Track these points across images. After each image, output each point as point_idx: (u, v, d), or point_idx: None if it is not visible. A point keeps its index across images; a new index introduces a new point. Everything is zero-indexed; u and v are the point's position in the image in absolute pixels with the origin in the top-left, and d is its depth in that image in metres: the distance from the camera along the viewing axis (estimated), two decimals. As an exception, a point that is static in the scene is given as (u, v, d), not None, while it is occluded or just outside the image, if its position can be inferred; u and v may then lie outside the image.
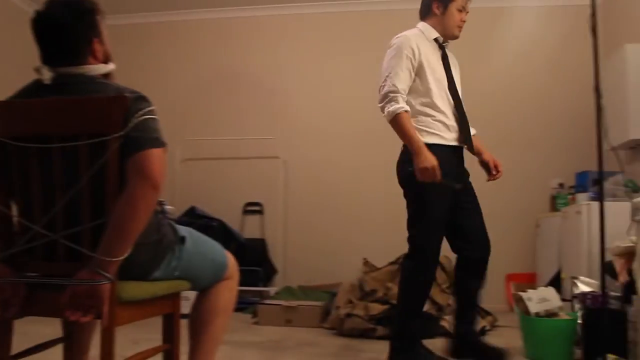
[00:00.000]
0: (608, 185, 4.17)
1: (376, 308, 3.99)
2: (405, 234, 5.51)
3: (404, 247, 4.87)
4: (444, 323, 3.98)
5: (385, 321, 3.90)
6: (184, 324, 2.01)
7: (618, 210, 3.20)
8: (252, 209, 5.97)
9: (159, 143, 1.65)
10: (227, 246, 5.66)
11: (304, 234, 5.85)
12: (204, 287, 2.06)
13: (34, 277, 1.71)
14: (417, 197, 3.00)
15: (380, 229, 5.65)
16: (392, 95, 2.88)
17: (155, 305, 1.86)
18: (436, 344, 3.66)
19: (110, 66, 1.83)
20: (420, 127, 2.96)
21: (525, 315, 3.22)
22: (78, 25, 1.73)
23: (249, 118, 6.07)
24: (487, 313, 4.36)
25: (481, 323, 4.08)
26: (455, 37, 3.06)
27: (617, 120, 4.35)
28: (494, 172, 3.13)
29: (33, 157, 1.65)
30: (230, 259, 2.13)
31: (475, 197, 3.11)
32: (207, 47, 6.27)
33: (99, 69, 1.77)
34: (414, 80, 2.95)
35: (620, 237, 3.01)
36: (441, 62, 3.02)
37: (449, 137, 2.99)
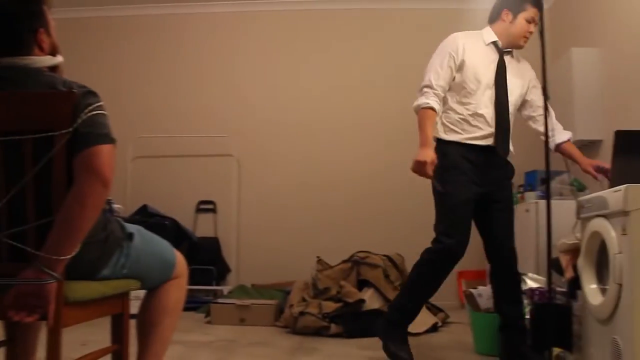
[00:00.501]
0: (555, 184, 4.29)
1: (330, 306, 4.01)
2: (357, 232, 5.59)
3: (357, 245, 4.94)
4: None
5: (338, 319, 3.92)
6: (133, 324, 1.97)
7: (564, 208, 3.30)
8: (205, 207, 5.92)
9: (108, 139, 1.61)
10: (179, 245, 5.65)
11: (257, 233, 5.82)
12: (153, 286, 2.01)
13: None
14: (434, 191, 3.02)
15: (334, 227, 5.68)
16: (424, 89, 2.95)
17: (104, 305, 1.82)
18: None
19: (58, 59, 1.77)
20: (446, 122, 3.01)
21: (475, 311, 3.28)
22: (23, 14, 1.67)
23: (202, 115, 6.01)
24: (439, 309, 4.43)
25: (433, 319, 4.15)
26: (520, 47, 3.06)
27: (564, 121, 4.45)
28: (598, 178, 3.02)
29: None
30: (179, 257, 2.09)
31: (506, 203, 3.06)
32: (161, 43, 6.18)
33: (45, 60, 1.71)
34: (454, 78, 2.98)
35: (566, 234, 3.10)
36: (494, 66, 3.00)
37: (476, 136, 2.97)
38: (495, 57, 3.01)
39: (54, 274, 1.49)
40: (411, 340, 3.71)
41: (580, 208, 2.81)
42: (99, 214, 1.61)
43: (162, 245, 2.05)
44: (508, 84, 2.99)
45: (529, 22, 2.97)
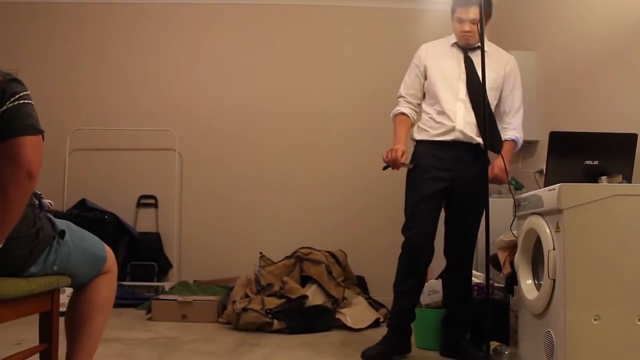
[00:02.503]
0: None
1: (272, 302, 4.01)
2: (300, 228, 5.60)
3: (300, 242, 4.95)
4: (339, 316, 4.06)
5: (281, 315, 3.93)
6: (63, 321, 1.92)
7: (502, 206, 3.39)
8: (147, 202, 5.81)
9: (34, 130, 1.56)
10: (119, 240, 5.53)
11: (199, 228, 5.76)
12: (83, 282, 1.96)
13: None
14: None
15: (277, 223, 5.67)
16: (398, 99, 3.28)
17: (33, 303, 1.76)
18: (330, 337, 3.74)
19: None
20: (419, 124, 3.21)
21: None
22: None
23: (144, 109, 5.89)
24: (381, 305, 4.50)
25: (375, 315, 4.21)
26: (465, 45, 3.16)
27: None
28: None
29: None
30: (109, 252, 2.04)
31: (474, 202, 2.99)
32: (105, 33, 6.00)
33: None
34: (425, 84, 3.23)
35: (504, 231, 3.19)
36: (461, 64, 3.14)
37: (441, 132, 3.09)
38: (460, 55, 3.17)
39: None
40: (353, 336, 3.77)
41: (517, 206, 2.90)
42: (27, 209, 1.56)
43: (93, 240, 2.00)
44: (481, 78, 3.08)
45: (459, 21, 3.12)
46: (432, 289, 3.40)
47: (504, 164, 2.96)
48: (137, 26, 6.00)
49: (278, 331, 3.86)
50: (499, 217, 3.06)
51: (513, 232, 2.98)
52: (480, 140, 3.03)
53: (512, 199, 2.99)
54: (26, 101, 1.57)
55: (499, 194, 4.25)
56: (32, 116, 1.57)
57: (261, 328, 3.89)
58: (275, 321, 3.90)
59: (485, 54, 2.92)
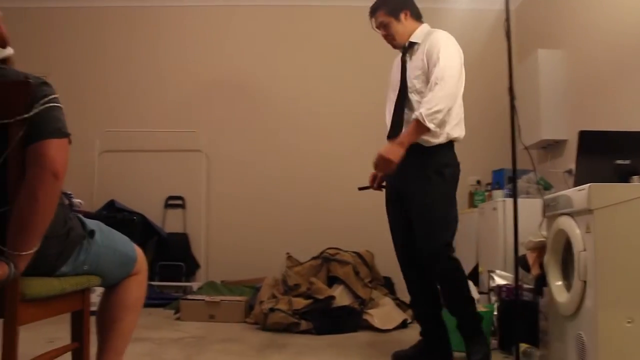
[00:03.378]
0: (522, 182, 4.36)
1: (299, 302, 4.01)
2: (327, 229, 5.60)
3: (327, 242, 4.95)
4: (366, 317, 4.05)
5: (308, 315, 3.93)
6: (94, 321, 1.94)
7: (531, 207, 3.36)
8: (174, 202, 5.87)
9: (61, 133, 1.57)
10: (148, 241, 5.58)
11: (226, 229, 5.79)
12: (113, 282, 1.98)
13: None
14: None
15: (304, 223, 5.68)
16: None
17: (63, 302, 1.78)
18: (357, 338, 3.73)
19: (8, 51, 1.72)
20: None
21: (444, 308, 3.31)
22: None
23: (171, 110, 5.95)
24: (409, 306, 4.47)
25: (402, 316, 4.18)
26: (396, 48, 3.13)
27: (530, 121, 4.55)
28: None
29: None
30: (139, 253, 2.06)
31: (420, 199, 2.90)
32: (131, 36, 6.09)
33: None
34: None
35: (532, 232, 3.16)
36: (400, 68, 3.09)
37: (387, 135, 3.09)
38: (399, 59, 3.14)
39: (13, 267, 1.46)
40: (381, 337, 3.76)
41: (546, 206, 2.86)
42: (56, 208, 1.58)
43: (123, 241, 2.02)
44: (407, 74, 3.02)
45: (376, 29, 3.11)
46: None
47: (395, 145, 2.75)
48: (163, 29, 6.07)
49: (305, 332, 3.87)
50: (527, 218, 3.03)
51: (542, 232, 2.94)
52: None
53: (541, 199, 2.95)
54: (55, 104, 1.60)
55: (527, 194, 4.21)
56: (59, 119, 1.60)
57: (288, 328, 3.90)
58: (303, 322, 3.90)
59: (417, 47, 2.94)
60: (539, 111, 4.58)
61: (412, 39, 3.01)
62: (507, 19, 2.74)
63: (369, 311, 4.12)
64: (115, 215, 5.24)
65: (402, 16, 3.02)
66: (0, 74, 1.60)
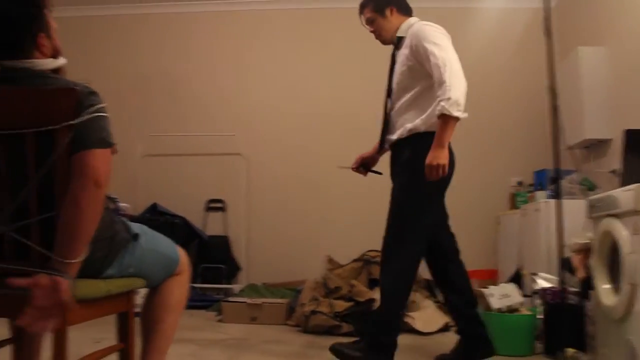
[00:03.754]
0: (565, 183, 4.27)
1: (341, 305, 4.01)
2: (368, 231, 5.58)
3: (367, 244, 4.94)
4: (407, 320, 4.02)
5: (349, 318, 3.93)
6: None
7: (575, 208, 3.29)
8: (215, 205, 5.94)
9: (105, 143, 1.60)
10: (189, 243, 5.65)
11: (267, 231, 5.83)
12: (157, 284, 2.02)
13: None
14: None
15: (344, 226, 5.68)
16: None
17: (110, 304, 1.82)
18: (399, 340, 3.70)
19: (60, 61, 1.76)
20: None
21: (487, 311, 3.28)
22: (22, 19, 1.65)
23: (211, 114, 6.02)
24: (450, 309, 4.43)
25: (444, 319, 4.14)
26: (385, 44, 3.12)
27: (573, 120, 4.46)
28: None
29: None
30: (181, 255, 2.09)
31: (392, 202, 2.97)
32: (170, 41, 6.19)
33: (47, 63, 1.70)
34: None
35: (577, 233, 3.09)
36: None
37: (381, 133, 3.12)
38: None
39: (67, 276, 1.50)
40: (422, 340, 3.73)
41: (590, 207, 2.80)
42: (102, 214, 1.61)
43: (166, 243, 2.05)
44: (395, 70, 3.02)
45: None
46: (504, 293, 3.32)
47: (437, 149, 2.69)
48: (201, 35, 6.14)
49: (346, 334, 3.86)
50: (572, 219, 2.98)
51: (587, 234, 2.88)
52: (392, 136, 2.99)
53: (585, 200, 2.89)
54: (101, 114, 1.63)
55: (570, 195, 4.13)
56: (105, 129, 1.63)
57: (330, 331, 3.90)
58: (344, 324, 3.90)
59: (402, 41, 2.90)
60: (582, 110, 4.48)
61: (399, 33, 3.00)
62: (548, 17, 2.69)
63: (410, 314, 4.09)
64: (158, 218, 5.32)
65: (387, 12, 3.03)
66: (51, 83, 1.64)
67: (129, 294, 1.94)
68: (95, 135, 1.58)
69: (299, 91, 5.97)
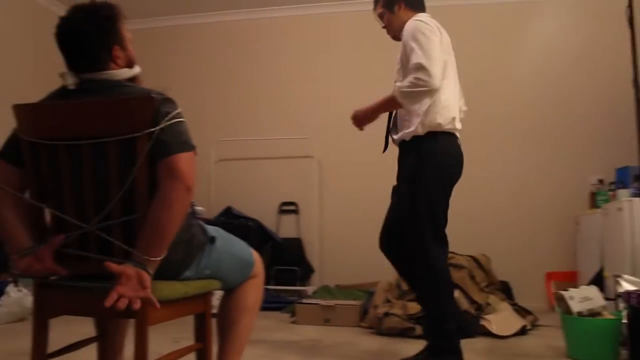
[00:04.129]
0: (649, 180, 4.08)
1: (414, 307, 3.97)
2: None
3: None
4: (483, 322, 3.94)
5: (423, 320, 3.88)
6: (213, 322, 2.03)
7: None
8: (288, 208, 6.00)
9: (188, 147, 1.66)
10: (263, 246, 5.74)
11: (340, 233, 5.84)
12: (232, 286, 2.07)
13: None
14: None
15: (417, 227, 5.62)
16: None
17: (188, 305, 1.88)
18: (475, 344, 3.63)
19: (135, 70, 1.84)
20: None
21: (567, 314, 3.16)
22: (97, 33, 1.73)
23: (283, 118, 6.09)
24: (528, 312, 4.30)
25: (521, 322, 4.03)
26: (395, 40, 3.10)
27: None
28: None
29: (63, 158, 1.67)
30: (256, 257, 2.13)
31: (399, 196, 3.01)
32: (241, 47, 6.31)
33: (123, 73, 1.78)
34: None
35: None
36: None
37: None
38: None
39: (148, 270, 1.56)
40: (499, 344, 3.64)
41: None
42: (184, 217, 1.67)
43: (241, 246, 2.10)
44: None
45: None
46: (585, 296, 3.20)
47: (366, 109, 2.91)
48: (272, 40, 6.22)
49: (421, 337, 3.81)
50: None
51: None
52: (396, 136, 2.99)
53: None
54: (179, 119, 1.69)
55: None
56: (185, 133, 1.69)
57: (403, 333, 3.87)
58: (418, 326, 3.85)
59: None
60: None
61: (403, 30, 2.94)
62: (630, 5, 2.59)
63: (486, 316, 4.00)
64: (232, 221, 5.43)
65: (396, 8, 3.01)
66: (127, 92, 1.71)
67: (206, 296, 1.99)
68: (178, 140, 1.64)
69: (372, 93, 5.93)
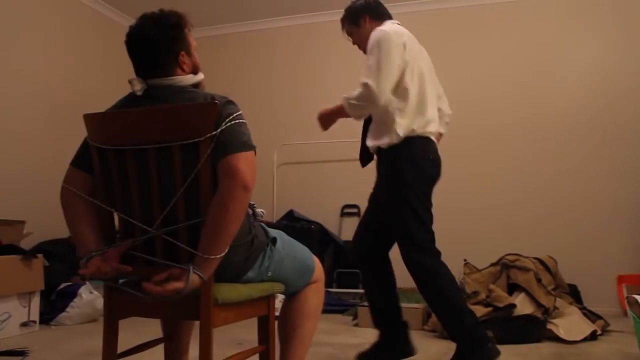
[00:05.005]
0: None
1: (479, 311, 3.90)
2: (505, 234, 5.40)
3: (505, 248, 4.78)
4: (550, 327, 3.83)
5: (488, 324, 3.81)
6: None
7: None
8: (350, 211, 6.00)
9: (248, 147, 1.69)
10: (325, 249, 5.76)
11: (402, 236, 5.80)
12: (293, 290, 2.10)
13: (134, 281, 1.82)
14: None
15: (481, 229, 5.53)
16: None
17: (250, 307, 1.91)
18: (542, 349, 3.55)
19: (199, 76, 1.89)
20: None
21: None
22: (165, 40, 1.80)
23: (343, 121, 6.08)
24: (597, 317, 4.16)
25: (591, 327, 3.91)
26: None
27: None
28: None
29: (130, 163, 1.73)
30: (316, 263, 2.16)
31: (380, 204, 3.08)
32: (301, 52, 6.36)
33: (188, 79, 1.84)
34: None
35: None
36: None
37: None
38: None
39: (202, 275, 1.60)
40: (568, 349, 3.54)
41: None
42: (244, 218, 1.69)
43: (302, 250, 2.13)
44: None
45: None
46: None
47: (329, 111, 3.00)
48: (335, 43, 6.24)
49: (485, 341, 3.75)
50: None
51: None
52: (371, 144, 2.99)
53: None
54: (240, 120, 1.73)
55: None
56: (245, 134, 1.72)
57: (467, 337, 3.81)
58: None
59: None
60: None
61: None
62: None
63: (554, 321, 3.90)
64: (294, 224, 5.47)
65: (362, 22, 3.03)
66: (192, 97, 1.76)
67: (269, 298, 2.02)
68: (237, 140, 1.67)
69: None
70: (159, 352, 2.18)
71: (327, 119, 3.04)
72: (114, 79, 5.73)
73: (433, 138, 2.92)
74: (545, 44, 5.56)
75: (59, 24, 5.43)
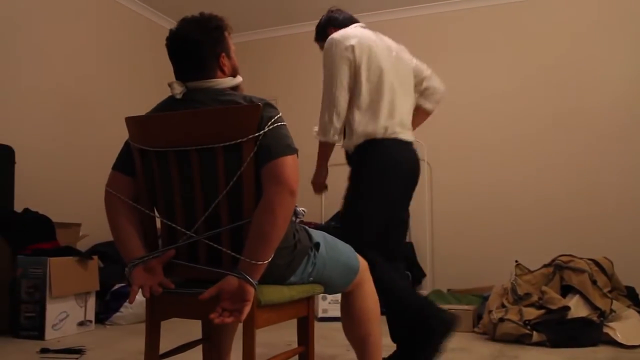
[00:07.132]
0: None
1: (531, 313, 3.82)
2: (558, 234, 5.27)
3: (558, 249, 4.67)
4: (607, 330, 3.72)
5: (541, 327, 3.73)
6: (318, 326, 2.06)
7: None
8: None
9: (291, 150, 1.69)
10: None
11: (451, 237, 5.73)
12: (336, 291, 2.11)
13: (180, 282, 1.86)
14: None
15: (533, 230, 5.42)
16: None
17: (292, 309, 1.92)
18: (598, 353, 3.45)
19: (238, 79, 1.91)
20: None
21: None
22: (206, 42, 1.82)
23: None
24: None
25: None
26: None
27: None
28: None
29: (173, 165, 1.75)
30: (362, 263, 2.15)
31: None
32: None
33: (227, 82, 1.85)
34: None
35: None
36: None
37: None
38: None
39: (253, 281, 1.60)
40: (625, 354, 3.43)
41: None
42: (289, 222, 1.70)
43: (346, 251, 2.12)
44: None
45: None
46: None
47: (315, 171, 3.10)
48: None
49: (538, 344, 3.67)
50: None
51: None
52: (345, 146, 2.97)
53: None
54: (281, 123, 1.73)
55: None
56: (287, 137, 1.72)
57: (519, 340, 3.73)
58: (535, 333, 3.71)
59: None
60: None
61: None
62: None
63: (610, 324, 3.78)
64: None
65: (328, 33, 2.96)
66: (231, 100, 1.77)
67: (309, 299, 2.03)
68: (280, 144, 1.68)
69: (482, 96, 5.80)
70: (197, 353, 2.21)
71: (318, 180, 3.23)
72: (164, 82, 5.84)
73: (404, 138, 2.97)
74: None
75: (93, 23, 5.50)
